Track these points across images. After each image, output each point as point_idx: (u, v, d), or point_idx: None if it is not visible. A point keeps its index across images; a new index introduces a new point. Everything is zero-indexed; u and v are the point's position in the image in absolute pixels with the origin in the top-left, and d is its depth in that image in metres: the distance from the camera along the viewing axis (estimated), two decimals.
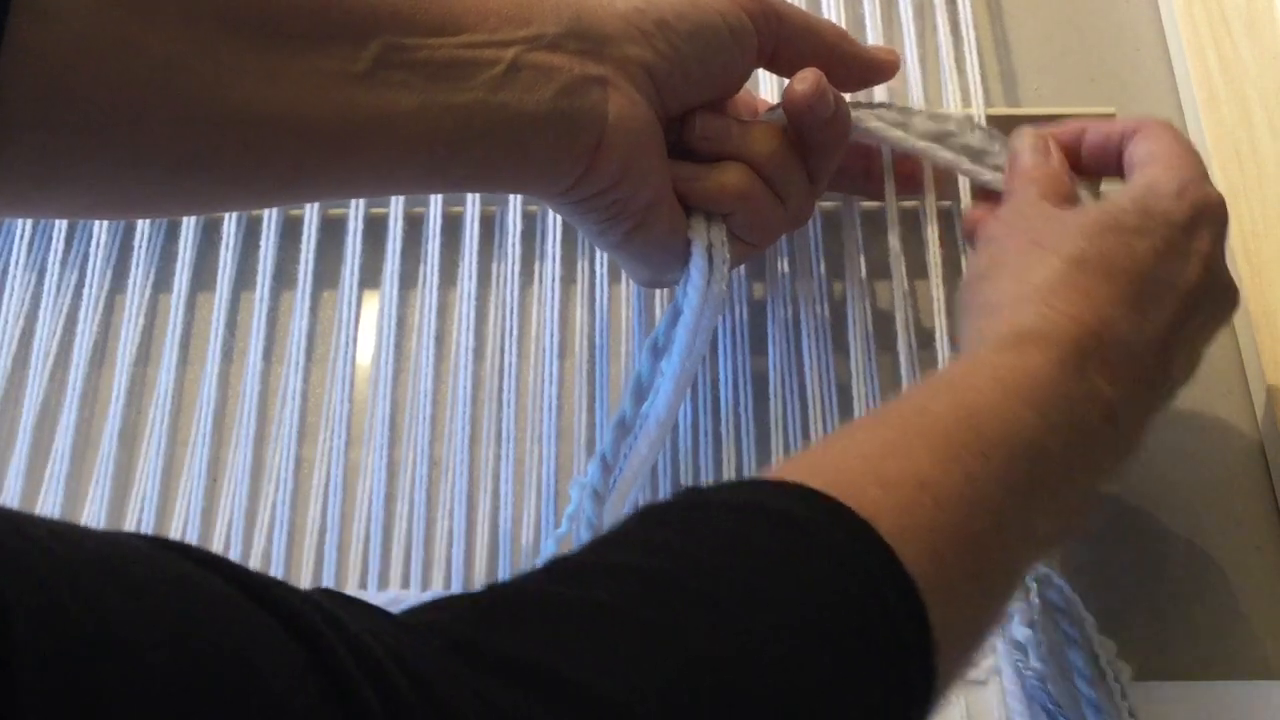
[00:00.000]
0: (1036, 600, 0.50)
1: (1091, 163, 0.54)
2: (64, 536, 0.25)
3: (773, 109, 0.53)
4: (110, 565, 0.25)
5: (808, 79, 0.51)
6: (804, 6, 0.66)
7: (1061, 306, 0.45)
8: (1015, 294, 0.46)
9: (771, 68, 0.54)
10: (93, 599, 0.24)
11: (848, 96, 0.55)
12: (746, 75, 0.53)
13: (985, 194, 0.56)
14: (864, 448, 0.39)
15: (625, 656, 0.31)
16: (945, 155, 0.56)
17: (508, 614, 0.32)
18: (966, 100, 0.62)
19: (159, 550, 0.27)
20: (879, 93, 0.63)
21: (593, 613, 0.32)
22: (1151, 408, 0.47)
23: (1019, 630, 0.50)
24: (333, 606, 0.28)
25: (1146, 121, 0.53)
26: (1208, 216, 0.49)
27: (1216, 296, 0.49)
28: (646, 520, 0.37)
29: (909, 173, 0.58)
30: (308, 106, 0.42)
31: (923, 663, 0.35)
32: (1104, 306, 0.45)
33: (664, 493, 0.55)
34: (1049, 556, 0.44)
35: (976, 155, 0.56)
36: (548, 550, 0.50)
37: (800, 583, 0.34)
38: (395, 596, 0.53)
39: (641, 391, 0.51)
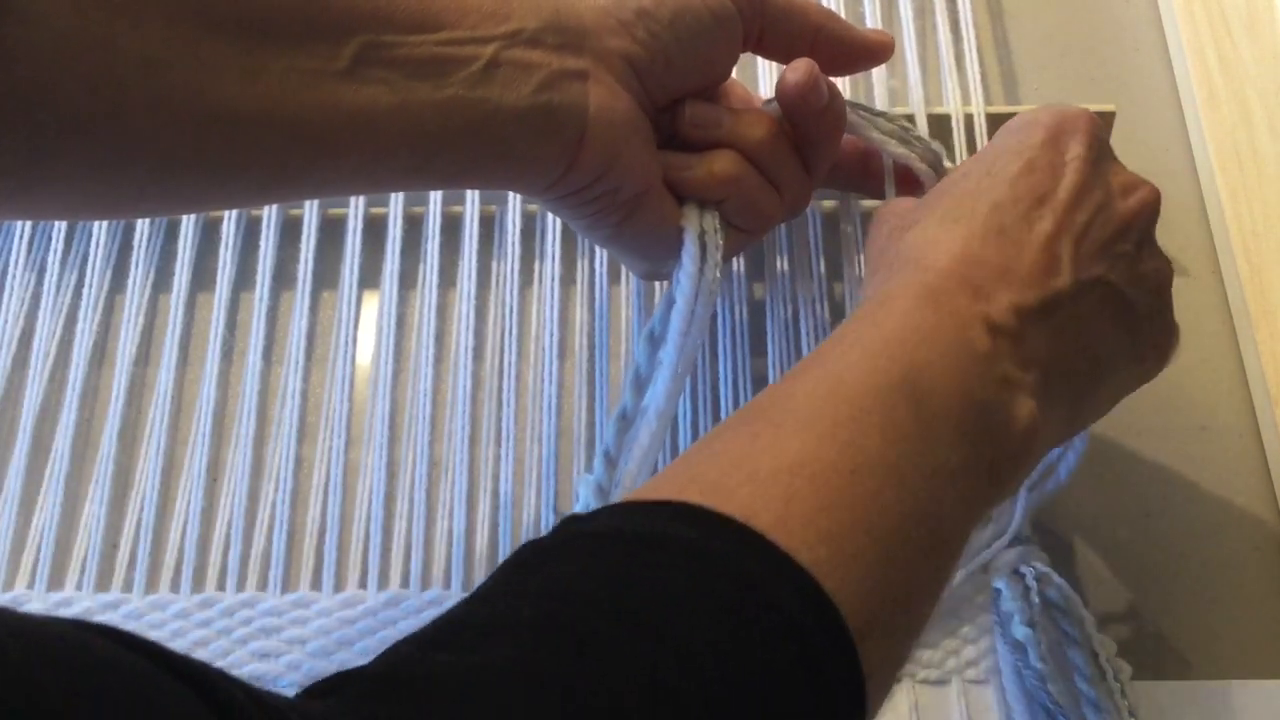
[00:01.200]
0: (1036, 599, 0.50)
1: None
2: None
3: (769, 101, 0.53)
4: (36, 640, 0.25)
5: (800, 69, 0.51)
6: None
7: (909, 264, 0.45)
8: (876, 282, 0.47)
9: (759, 51, 0.54)
10: (19, 672, 0.24)
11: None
12: (733, 60, 0.53)
13: None
14: (734, 448, 0.39)
15: (508, 712, 0.30)
16: (899, 150, 0.56)
17: (400, 691, 0.31)
18: (966, 100, 0.62)
19: (85, 632, 0.27)
20: (878, 87, 0.63)
21: (473, 675, 0.31)
22: (1065, 309, 0.45)
23: (1019, 630, 0.50)
24: (258, 690, 0.28)
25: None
26: (1069, 128, 0.48)
27: (1118, 192, 0.48)
28: (526, 562, 0.36)
29: (909, 173, 0.58)
30: (289, 105, 0.43)
31: (835, 646, 0.34)
32: (957, 244, 0.45)
33: None
34: (1009, 483, 0.43)
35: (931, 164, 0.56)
36: None
37: (685, 605, 0.33)
38: (395, 596, 0.53)
39: (641, 383, 0.50)
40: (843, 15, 0.65)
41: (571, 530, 0.37)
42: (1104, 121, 0.60)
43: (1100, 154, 0.48)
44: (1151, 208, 0.48)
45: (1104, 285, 0.46)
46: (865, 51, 0.55)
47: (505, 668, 0.31)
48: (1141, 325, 0.48)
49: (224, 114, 0.42)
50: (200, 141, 0.42)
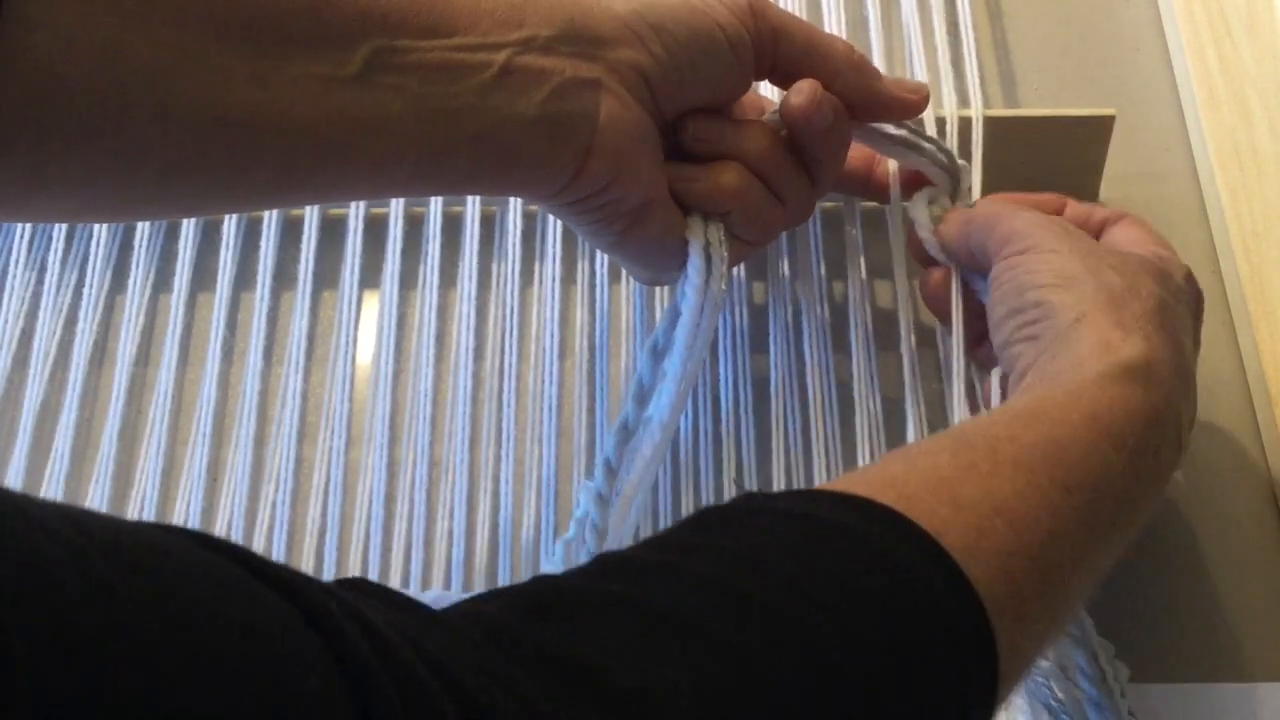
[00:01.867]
0: None
1: None
2: (71, 517, 0.25)
3: (773, 112, 0.53)
4: (119, 547, 0.25)
5: (804, 91, 0.50)
6: (805, 7, 0.66)
7: (1155, 339, 0.46)
8: (1113, 319, 0.46)
9: (773, 82, 0.54)
10: (99, 579, 0.23)
11: None
12: (744, 87, 0.52)
13: None
14: (941, 468, 0.39)
15: (662, 653, 0.30)
16: (910, 156, 0.55)
17: (551, 608, 0.31)
18: (965, 101, 0.61)
19: (174, 537, 0.27)
20: None
21: (633, 609, 0.31)
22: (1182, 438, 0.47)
23: None
24: (355, 599, 0.28)
25: (1128, 214, 0.55)
26: (1202, 306, 0.52)
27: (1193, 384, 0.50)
28: (701, 522, 0.36)
29: (911, 176, 0.58)
30: (297, 110, 0.42)
31: (984, 681, 0.35)
32: (1157, 338, 0.46)
33: (664, 493, 0.55)
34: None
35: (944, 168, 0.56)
36: (554, 554, 0.50)
37: (852, 592, 0.33)
38: None
39: (643, 394, 0.50)
40: (843, 17, 0.65)
41: (754, 505, 0.37)
42: (1102, 125, 0.60)
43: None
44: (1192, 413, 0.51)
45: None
46: (890, 106, 0.53)
47: (652, 603, 0.31)
48: None
49: (231, 120, 0.41)
50: (206, 147, 0.42)
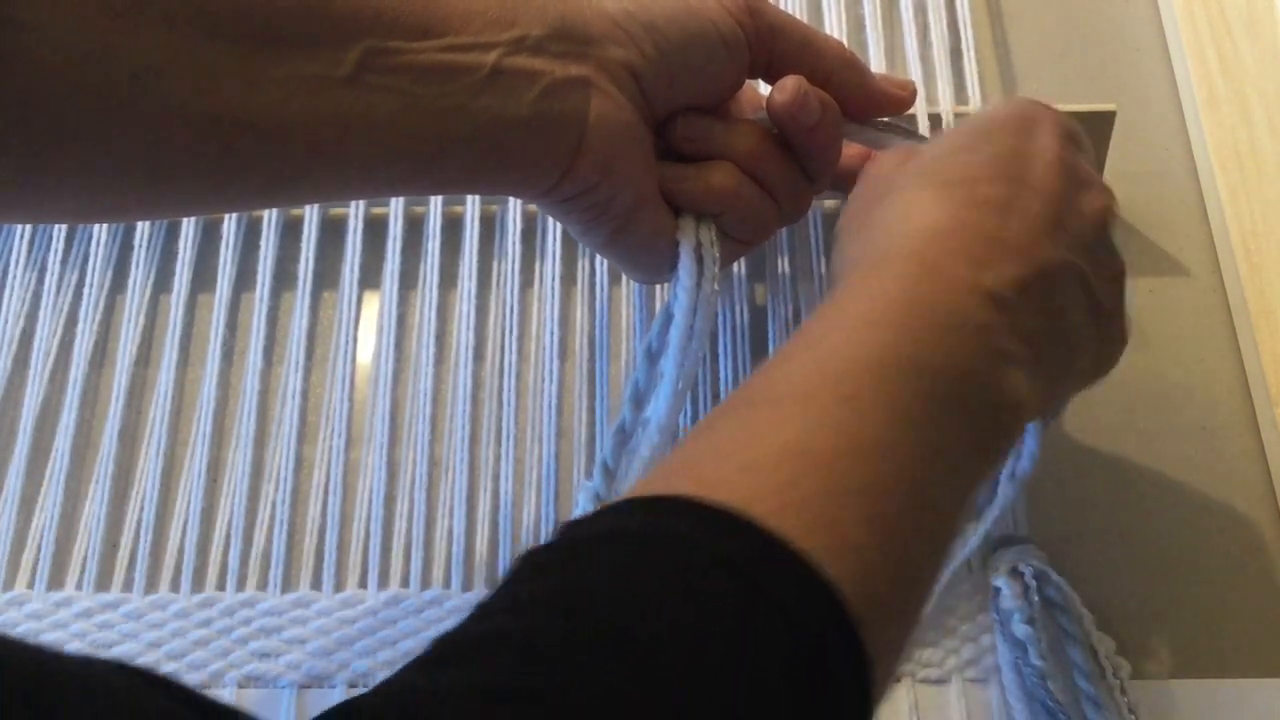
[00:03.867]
0: (1036, 598, 0.50)
1: None
2: (6, 643, 0.25)
3: (760, 111, 0.53)
4: (53, 679, 0.25)
5: (787, 87, 0.50)
6: (804, 6, 0.66)
7: (897, 227, 0.44)
8: (857, 247, 0.45)
9: (768, 81, 0.53)
10: (39, 708, 0.23)
11: None
12: (737, 85, 0.52)
13: None
14: (726, 436, 0.38)
15: None
16: (895, 140, 0.55)
17: (407, 711, 0.31)
18: (963, 100, 0.62)
19: (104, 668, 0.27)
20: None
21: (472, 694, 0.31)
22: (1051, 284, 0.43)
23: (1019, 628, 0.50)
24: None
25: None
26: (1039, 121, 0.47)
27: (1083, 186, 0.46)
28: (525, 569, 0.35)
29: None
30: (290, 111, 0.42)
31: (837, 635, 0.33)
32: (947, 209, 0.43)
33: None
34: (998, 459, 0.41)
35: None
36: None
37: (679, 610, 0.32)
38: (395, 595, 0.54)
39: (639, 396, 0.50)
40: (842, 15, 0.65)
41: (568, 536, 0.36)
42: (1103, 121, 0.60)
43: (1065, 148, 0.47)
44: (1108, 208, 0.47)
45: (1078, 269, 0.45)
46: (881, 101, 0.54)
47: (495, 687, 0.31)
48: (1103, 319, 0.47)
49: (223, 121, 0.41)
50: (199, 148, 0.42)
